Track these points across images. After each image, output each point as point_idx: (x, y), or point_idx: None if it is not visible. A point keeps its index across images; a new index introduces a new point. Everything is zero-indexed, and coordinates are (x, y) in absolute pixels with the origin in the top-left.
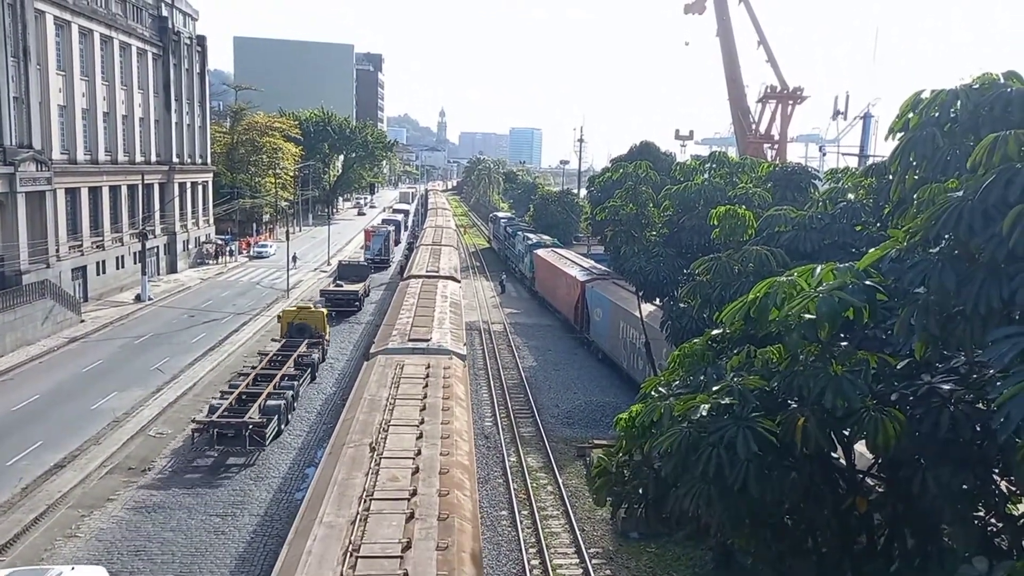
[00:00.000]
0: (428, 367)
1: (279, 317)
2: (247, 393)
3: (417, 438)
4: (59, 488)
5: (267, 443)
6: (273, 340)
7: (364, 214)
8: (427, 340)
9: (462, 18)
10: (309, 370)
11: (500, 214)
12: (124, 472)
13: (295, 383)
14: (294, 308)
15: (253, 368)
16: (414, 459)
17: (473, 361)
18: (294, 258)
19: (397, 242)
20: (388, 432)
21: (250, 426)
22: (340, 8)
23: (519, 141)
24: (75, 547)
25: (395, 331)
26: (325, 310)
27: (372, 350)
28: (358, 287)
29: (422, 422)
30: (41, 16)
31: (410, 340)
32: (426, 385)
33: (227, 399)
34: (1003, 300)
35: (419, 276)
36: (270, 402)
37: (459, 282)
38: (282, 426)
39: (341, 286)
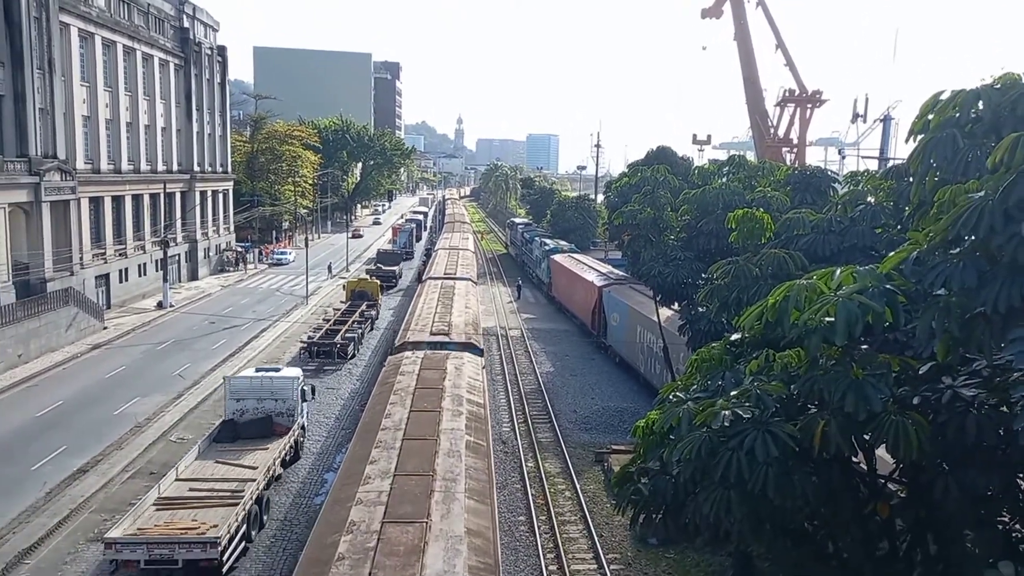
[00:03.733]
0: None
1: (344, 287)
2: (330, 330)
3: None
4: (82, 492)
5: (348, 358)
6: (341, 302)
7: (361, 235)
8: None
9: (479, 26)
10: (369, 321)
11: (517, 220)
12: (146, 477)
13: (361, 327)
14: (356, 280)
15: (330, 319)
16: None
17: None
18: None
19: (419, 238)
20: None
21: (338, 344)
22: (358, 17)
23: (536, 147)
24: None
25: (345, 541)
26: (379, 281)
27: None
28: (394, 268)
29: None
30: (66, 28)
31: None
32: None
33: (318, 332)
34: None
35: (418, 344)
36: (347, 335)
37: (482, 353)
38: (355, 351)
39: (381, 268)
